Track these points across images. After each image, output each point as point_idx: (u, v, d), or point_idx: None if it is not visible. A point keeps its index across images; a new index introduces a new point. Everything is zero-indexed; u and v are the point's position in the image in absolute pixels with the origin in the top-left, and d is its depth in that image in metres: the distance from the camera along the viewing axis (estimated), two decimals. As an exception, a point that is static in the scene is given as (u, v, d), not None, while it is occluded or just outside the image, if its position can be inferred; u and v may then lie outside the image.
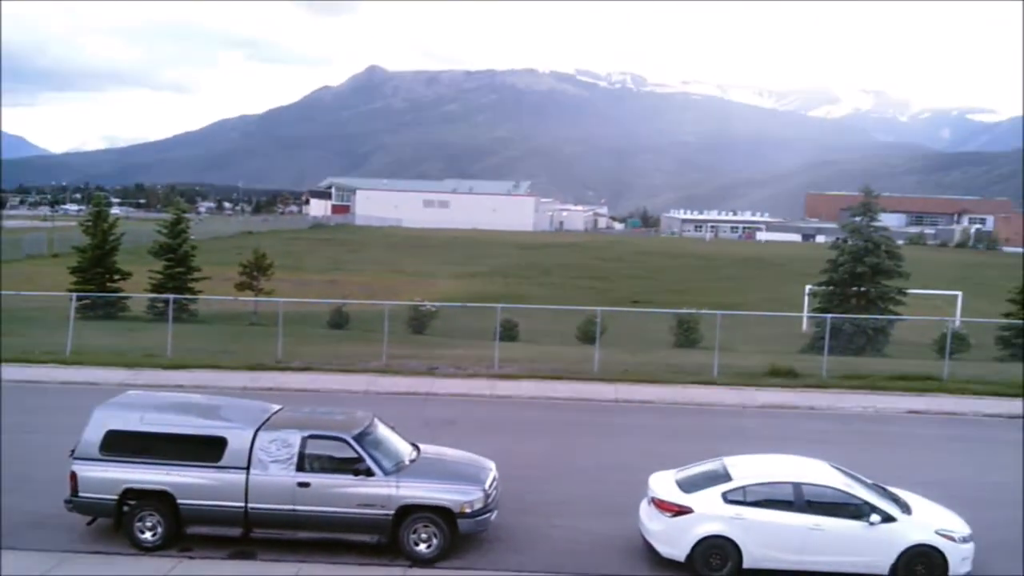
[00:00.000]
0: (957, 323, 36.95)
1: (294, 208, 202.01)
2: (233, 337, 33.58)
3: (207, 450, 13.32)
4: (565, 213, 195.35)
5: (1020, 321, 36.91)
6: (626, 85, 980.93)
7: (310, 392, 24.23)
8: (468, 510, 13.23)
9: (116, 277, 42.80)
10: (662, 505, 13.15)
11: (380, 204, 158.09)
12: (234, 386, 24.11)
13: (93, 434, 13.53)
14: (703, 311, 35.75)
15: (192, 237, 46.15)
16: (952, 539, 12.68)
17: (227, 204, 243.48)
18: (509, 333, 33.73)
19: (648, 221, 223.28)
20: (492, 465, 14.54)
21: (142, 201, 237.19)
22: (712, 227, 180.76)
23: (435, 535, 13.18)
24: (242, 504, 13.16)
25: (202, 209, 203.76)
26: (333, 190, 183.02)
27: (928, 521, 12.94)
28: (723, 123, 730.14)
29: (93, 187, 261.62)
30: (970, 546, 12.79)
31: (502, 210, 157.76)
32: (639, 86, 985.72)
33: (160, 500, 13.27)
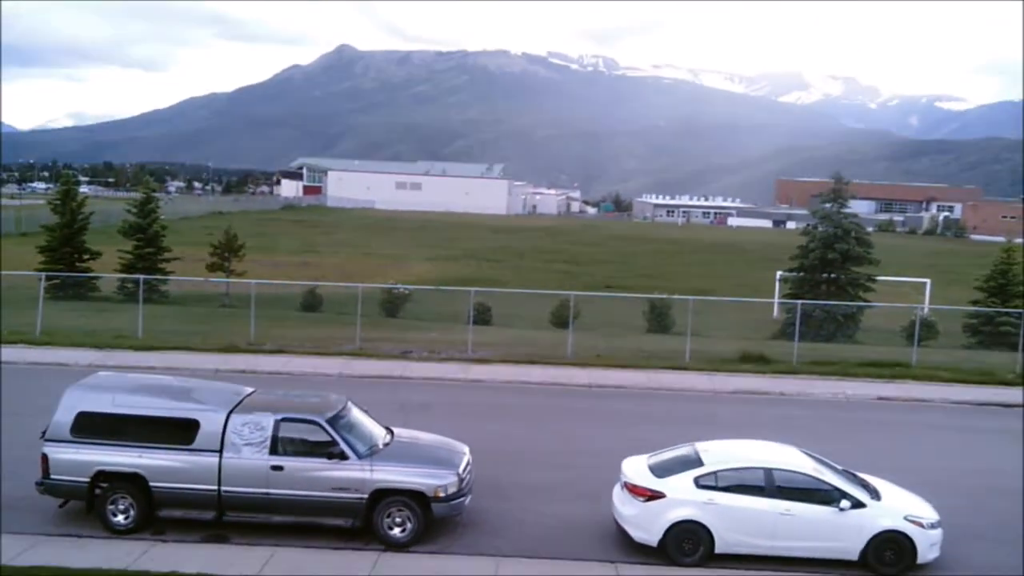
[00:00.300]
0: (926, 310, 37.37)
1: (265, 189, 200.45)
2: (205, 319, 33.36)
3: (179, 433, 13.24)
4: (538, 197, 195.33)
5: (988, 309, 37.43)
6: (598, 68, 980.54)
7: (283, 375, 24.13)
8: (442, 494, 13.25)
9: (86, 257, 42.37)
10: (635, 490, 13.23)
11: (352, 185, 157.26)
12: (206, 368, 23.97)
13: (64, 416, 13.40)
14: (675, 296, 35.93)
15: (162, 217, 45.74)
16: (921, 525, 12.86)
17: (197, 184, 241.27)
18: (482, 317, 33.73)
19: (621, 205, 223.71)
20: (466, 449, 14.56)
21: (111, 180, 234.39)
22: (684, 212, 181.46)
23: (409, 519, 13.19)
24: (215, 487, 13.11)
25: (172, 189, 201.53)
26: (304, 171, 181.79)
27: (897, 507, 13.11)
28: (695, 108, 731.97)
29: (61, 165, 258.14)
30: (938, 532, 12.98)
31: (475, 193, 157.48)
32: (611, 69, 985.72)
33: (132, 483, 13.17)
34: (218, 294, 40.32)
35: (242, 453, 13.13)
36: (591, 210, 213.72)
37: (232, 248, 43.51)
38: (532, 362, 26.66)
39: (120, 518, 13.27)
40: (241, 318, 30.07)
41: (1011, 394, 24.81)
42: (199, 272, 41.74)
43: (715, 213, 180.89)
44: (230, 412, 13.45)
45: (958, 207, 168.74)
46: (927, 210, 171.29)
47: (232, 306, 37.28)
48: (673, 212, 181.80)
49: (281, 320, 32.67)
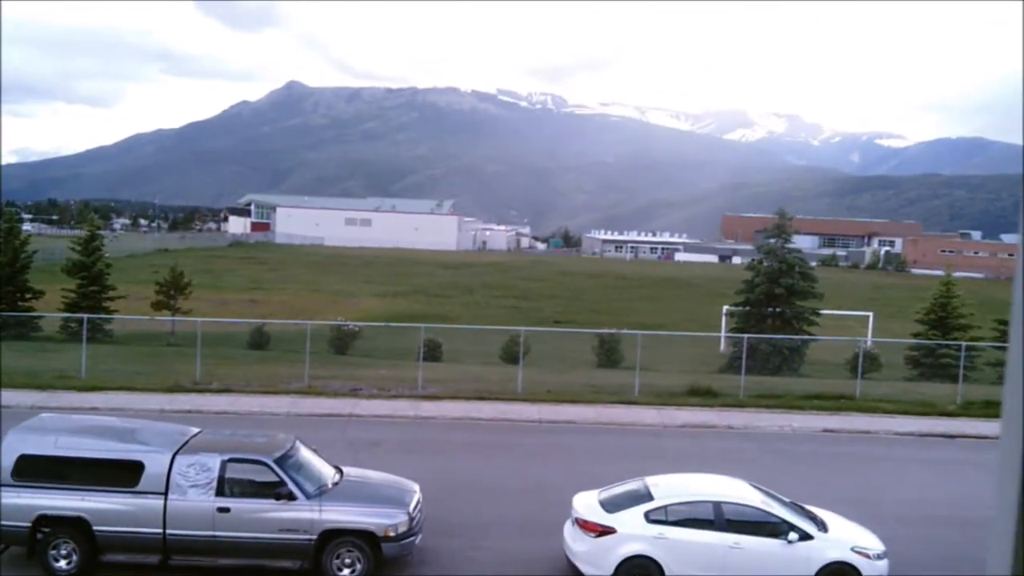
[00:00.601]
0: (869, 343, 38.06)
1: (212, 225, 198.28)
2: (150, 358, 32.84)
3: (123, 475, 13.01)
4: (488, 232, 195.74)
5: (929, 341, 38.23)
6: (547, 106, 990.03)
7: (230, 414, 23.82)
8: (392, 534, 13.16)
9: (28, 296, 41.53)
10: (586, 525, 13.26)
11: (301, 222, 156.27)
12: (151, 408, 23.59)
13: (5, 459, 13.10)
14: (624, 331, 36.20)
15: (107, 255, 45.05)
16: (867, 556, 13.03)
17: (143, 221, 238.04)
18: (432, 353, 33.66)
19: (570, 241, 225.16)
20: (416, 488, 14.49)
21: (55, 217, 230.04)
22: (632, 247, 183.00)
23: (359, 560, 13.07)
24: (160, 530, 12.88)
25: (117, 226, 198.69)
26: (253, 207, 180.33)
27: (844, 539, 13.29)
28: (642, 145, 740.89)
29: (4, 202, 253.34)
30: (884, 563, 13.17)
31: (425, 229, 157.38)
32: (559, 107, 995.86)
33: (75, 527, 12.90)
34: (164, 333, 39.73)
35: (188, 495, 12.93)
36: (541, 246, 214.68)
37: (178, 286, 42.95)
38: (482, 398, 26.65)
39: (63, 563, 12.97)
40: (187, 357, 29.67)
41: (952, 425, 25.33)
42: (144, 311, 41.14)
43: (662, 248, 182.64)
44: (175, 453, 13.26)
45: (899, 242, 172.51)
46: (869, 245, 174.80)
47: (178, 345, 36.75)
48: (621, 247, 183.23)
49: (228, 359, 32.30)
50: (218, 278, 71.24)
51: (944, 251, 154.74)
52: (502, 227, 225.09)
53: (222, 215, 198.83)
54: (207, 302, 49.25)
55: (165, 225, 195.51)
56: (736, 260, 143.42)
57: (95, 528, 12.88)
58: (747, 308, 42.58)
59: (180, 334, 38.14)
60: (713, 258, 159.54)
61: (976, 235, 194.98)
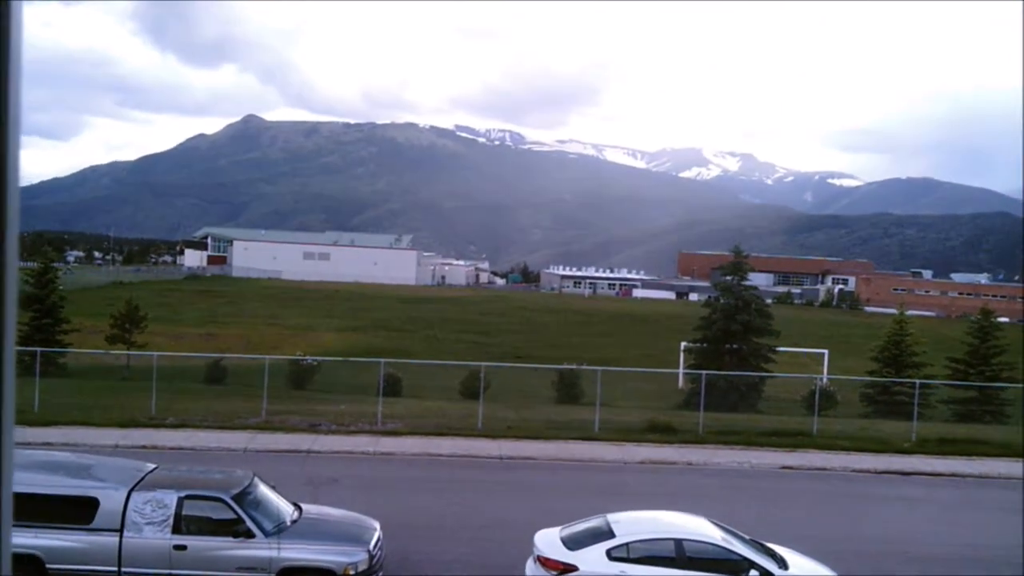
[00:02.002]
0: (824, 380, 38.52)
1: (168, 258, 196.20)
2: (104, 392, 32.32)
3: (78, 512, 12.76)
4: (447, 267, 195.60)
5: (883, 379, 38.79)
6: (504, 142, 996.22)
7: (186, 450, 23.47)
8: (352, 572, 13.01)
9: (-24, 329, 40.67)
10: (548, 563, 13.21)
11: (258, 255, 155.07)
12: (106, 444, 23.17)
13: (-46, 497, 12.79)
14: (584, 367, 36.30)
15: (60, 287, 44.43)
16: (826, 592, 13.13)
17: (97, 253, 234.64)
18: (392, 388, 33.48)
19: (528, 276, 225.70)
20: (376, 525, 14.36)
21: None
22: (591, 283, 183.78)
23: (319, 598, 12.91)
24: (115, 569, 12.63)
25: (71, 258, 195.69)
26: (209, 240, 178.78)
27: (803, 575, 13.37)
28: (599, 182, 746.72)
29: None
30: (842, 598, 13.28)
31: (384, 263, 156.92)
32: (517, 143, 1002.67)
33: (29, 565, 12.60)
34: (119, 367, 39.13)
35: (143, 532, 12.71)
36: (500, 281, 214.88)
37: (133, 319, 42.43)
38: (442, 434, 26.53)
39: (13, 604, 12.64)
40: (142, 391, 29.24)
41: (907, 462, 25.65)
42: (99, 344, 40.53)
43: (620, 284, 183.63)
44: (131, 490, 13.04)
45: (852, 280, 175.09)
46: (823, 283, 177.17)
47: (133, 379, 36.21)
48: (580, 283, 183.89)
49: (184, 393, 31.90)
50: (174, 311, 70.39)
51: (896, 289, 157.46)
52: (461, 262, 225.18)
53: (178, 248, 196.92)
54: (163, 336, 48.67)
55: (120, 258, 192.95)
56: (693, 297, 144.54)
57: (48, 566, 12.60)
58: (705, 345, 42.94)
59: (135, 368, 37.59)
60: (670, 295, 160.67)
61: (927, 274, 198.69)
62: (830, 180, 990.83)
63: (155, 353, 32.69)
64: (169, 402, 28.32)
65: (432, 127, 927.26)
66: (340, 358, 41.99)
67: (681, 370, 44.08)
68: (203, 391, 34.80)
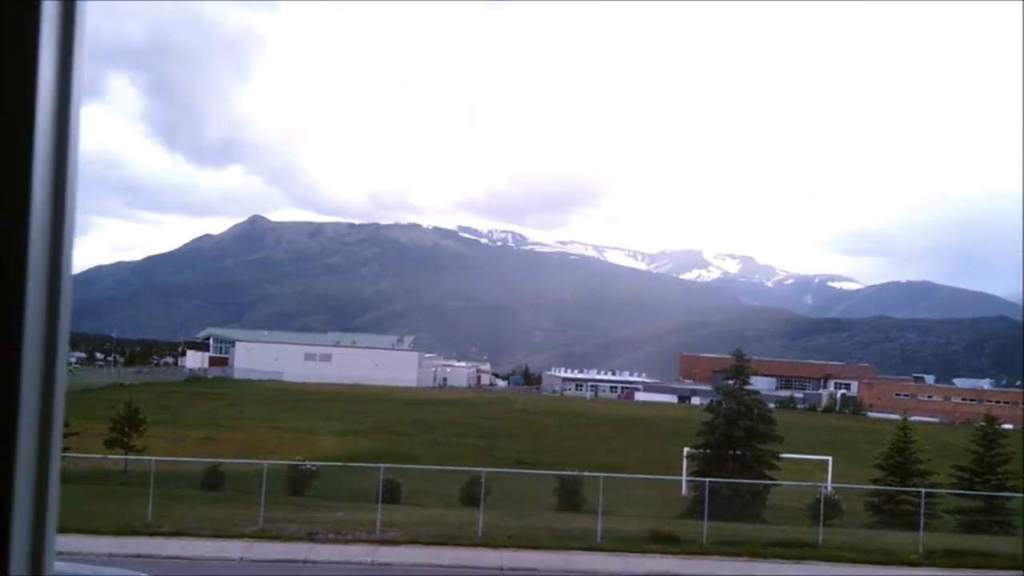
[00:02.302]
0: (829, 488, 38.11)
1: (170, 359, 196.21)
2: (101, 498, 31.97)
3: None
4: (448, 369, 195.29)
5: (888, 488, 38.37)
6: (507, 243, 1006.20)
7: (182, 559, 23.14)
8: None
9: (-26, 431, 40.51)
10: None
11: (260, 356, 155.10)
12: (100, 552, 22.84)
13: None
14: (585, 473, 35.97)
15: (61, 390, 44.31)
16: None
17: (99, 354, 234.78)
18: (392, 494, 33.14)
19: (530, 378, 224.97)
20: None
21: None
22: (592, 386, 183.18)
23: None
24: None
25: (72, 360, 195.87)
26: (211, 341, 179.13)
27: None
28: (600, 283, 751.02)
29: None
30: None
31: (385, 365, 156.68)
32: (519, 244, 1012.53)
33: None
34: (117, 471, 38.82)
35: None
36: (501, 382, 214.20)
37: (132, 422, 42.26)
38: (442, 543, 26.15)
39: None
40: (140, 497, 28.96)
41: (913, 574, 25.19)
42: (97, 448, 40.26)
43: (622, 387, 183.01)
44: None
45: (854, 384, 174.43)
46: (825, 387, 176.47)
47: (131, 484, 35.91)
48: (582, 385, 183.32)
49: (181, 499, 31.59)
50: (174, 414, 70.11)
51: (899, 395, 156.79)
52: (463, 363, 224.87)
53: (180, 349, 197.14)
54: (162, 439, 48.40)
55: (122, 359, 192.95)
56: (695, 400, 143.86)
57: None
58: (708, 450, 42.63)
59: (133, 472, 37.31)
60: (672, 398, 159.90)
61: (929, 379, 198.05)
62: (830, 283, 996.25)
63: (153, 458, 32.53)
64: (166, 508, 28.01)
65: (435, 228, 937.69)
66: (339, 463, 41.69)
67: (684, 477, 43.67)
68: (200, 497, 34.45)
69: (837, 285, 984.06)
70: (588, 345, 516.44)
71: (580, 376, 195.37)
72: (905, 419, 44.66)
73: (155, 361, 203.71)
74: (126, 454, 39.48)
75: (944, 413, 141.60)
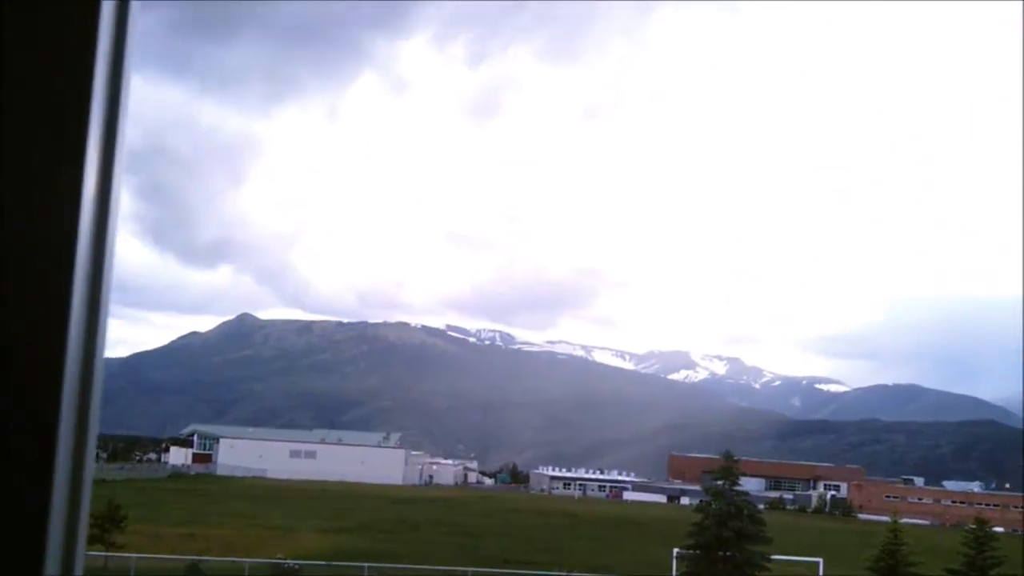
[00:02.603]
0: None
1: (153, 456, 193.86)
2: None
3: None
4: (435, 467, 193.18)
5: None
6: (495, 342, 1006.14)
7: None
8: None
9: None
10: None
11: (244, 453, 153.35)
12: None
13: None
14: (574, 574, 35.53)
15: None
16: None
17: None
18: (376, 594, 32.61)
19: (517, 477, 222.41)
20: None
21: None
22: (580, 485, 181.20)
23: None
24: None
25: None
26: (195, 438, 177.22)
27: None
28: (587, 383, 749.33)
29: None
30: None
31: (371, 462, 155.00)
32: (507, 343, 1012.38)
33: None
34: (96, 568, 38.09)
35: None
36: (488, 481, 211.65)
37: (113, 519, 41.62)
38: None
39: None
40: (120, 595, 28.44)
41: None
42: (76, 544, 39.59)
43: (610, 486, 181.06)
44: None
45: (844, 486, 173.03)
46: (814, 488, 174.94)
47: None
48: (570, 484, 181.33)
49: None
50: (155, 511, 68.92)
51: (889, 496, 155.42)
52: (449, 461, 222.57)
53: (163, 446, 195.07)
54: (143, 536, 47.54)
55: (104, 455, 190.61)
56: (685, 500, 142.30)
57: None
58: (697, 551, 42.18)
59: (113, 570, 36.65)
60: (661, 498, 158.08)
61: (919, 481, 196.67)
62: (817, 385, 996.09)
63: (134, 555, 32.00)
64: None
65: (423, 326, 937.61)
66: (323, 562, 41.01)
67: (674, 578, 43.09)
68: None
69: (824, 387, 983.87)
70: (576, 444, 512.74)
71: (568, 475, 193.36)
72: (896, 521, 44.44)
73: (138, 457, 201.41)
74: (106, 551, 38.80)
75: (934, 515, 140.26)
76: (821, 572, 46.67)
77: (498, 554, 55.70)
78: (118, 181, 1.69)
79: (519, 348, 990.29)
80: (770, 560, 42.05)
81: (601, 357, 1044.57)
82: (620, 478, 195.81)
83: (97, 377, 1.53)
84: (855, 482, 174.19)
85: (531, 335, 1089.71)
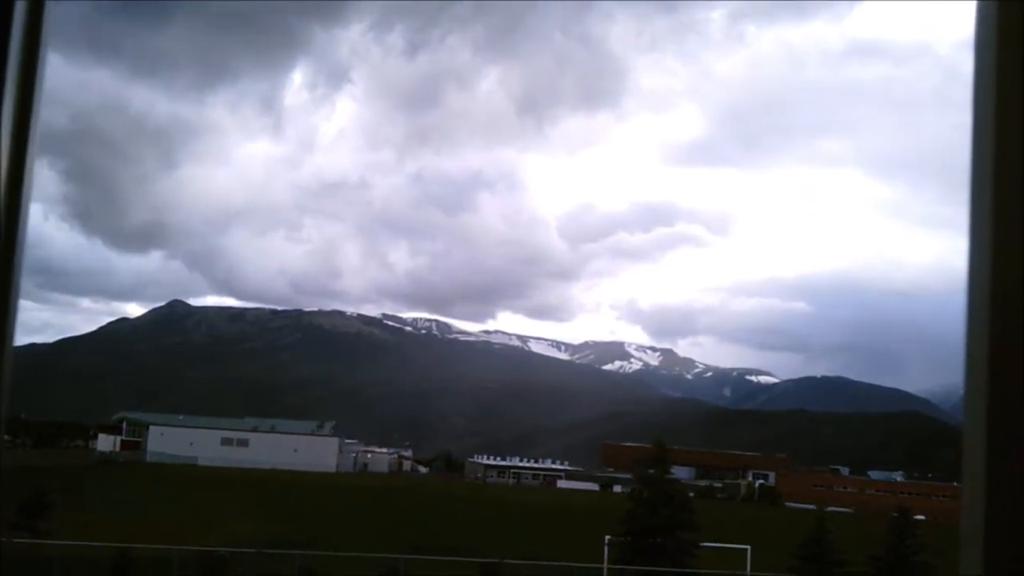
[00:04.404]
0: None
1: (81, 442, 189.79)
2: (2, 584, 30.66)
3: None
4: (369, 455, 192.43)
5: None
6: (431, 332, 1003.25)
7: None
8: None
9: None
10: None
11: (174, 441, 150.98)
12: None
13: None
14: (507, 560, 35.75)
15: (-36, 471, 42.67)
16: None
17: (7, 437, 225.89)
18: (309, 581, 32.46)
19: (452, 465, 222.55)
20: None
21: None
22: (514, 473, 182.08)
23: None
24: None
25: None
26: (124, 425, 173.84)
27: None
28: (523, 372, 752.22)
29: None
30: None
31: (304, 450, 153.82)
32: (443, 333, 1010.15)
33: None
34: (20, 556, 37.26)
35: None
36: (423, 469, 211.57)
37: (39, 506, 40.78)
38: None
39: None
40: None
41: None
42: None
43: (544, 474, 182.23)
44: None
45: (772, 475, 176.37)
46: (744, 477, 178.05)
47: (35, 570, 34.52)
48: (504, 472, 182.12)
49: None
50: (83, 498, 67.63)
51: (816, 486, 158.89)
52: (384, 450, 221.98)
53: (91, 432, 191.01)
54: (69, 524, 46.61)
55: (30, 442, 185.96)
56: (617, 488, 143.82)
57: None
58: (629, 538, 42.73)
59: (39, 557, 35.90)
60: (594, 486, 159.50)
61: (845, 471, 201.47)
62: (748, 376, 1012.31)
63: (59, 542, 31.41)
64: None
65: (359, 315, 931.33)
66: (253, 549, 40.64)
67: (605, 565, 43.55)
68: (109, 583, 33.26)
69: (755, 379, 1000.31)
70: (510, 433, 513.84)
71: (502, 463, 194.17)
72: (822, 509, 45.54)
73: (66, 444, 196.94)
74: (31, 539, 37.99)
75: (859, 504, 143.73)
76: (749, 559, 47.58)
77: (431, 541, 55.78)
78: (30, 166, 1.62)
79: (455, 338, 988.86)
80: (700, 547, 42.81)
81: (537, 347, 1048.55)
82: (554, 467, 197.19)
83: (7, 362, 1.54)
84: (783, 471, 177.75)
85: (468, 325, 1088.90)
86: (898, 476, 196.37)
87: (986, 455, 1.38)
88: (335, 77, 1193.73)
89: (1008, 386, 1.30)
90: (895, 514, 45.76)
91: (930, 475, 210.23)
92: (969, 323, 1.39)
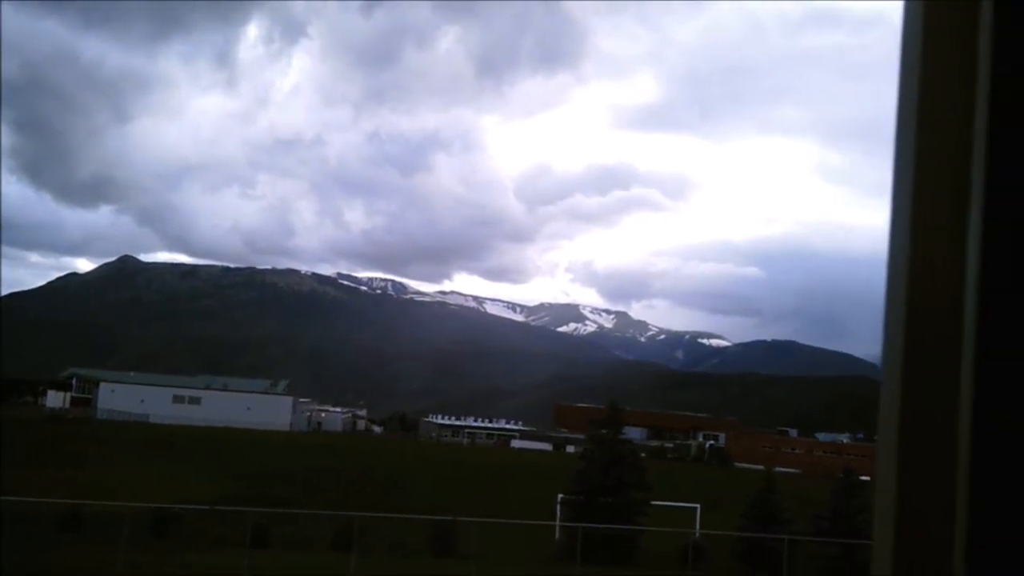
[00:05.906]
0: (697, 535, 39.08)
1: (30, 398, 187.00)
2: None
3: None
4: (324, 414, 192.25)
5: (752, 534, 39.60)
6: (387, 292, 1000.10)
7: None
8: None
9: None
10: None
11: (125, 398, 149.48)
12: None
13: None
14: (461, 519, 35.95)
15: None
16: None
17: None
18: (261, 539, 32.39)
19: (406, 424, 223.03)
20: None
21: None
22: (468, 433, 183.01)
23: None
24: None
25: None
26: (74, 381, 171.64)
27: None
28: (478, 333, 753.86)
29: None
30: None
31: (258, 409, 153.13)
32: (399, 293, 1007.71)
33: None
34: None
35: None
36: (377, 428, 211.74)
37: (-15, 462, 40.14)
38: (313, 587, 25.71)
39: None
40: (-10, 540, 27.48)
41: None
42: (-56, 487, 38.07)
43: (498, 435, 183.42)
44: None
45: (722, 436, 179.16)
46: (694, 438, 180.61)
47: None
48: (458, 432, 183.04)
49: (36, 543, 30.10)
50: (31, 454, 66.75)
51: (765, 447, 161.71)
52: (338, 409, 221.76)
53: (40, 388, 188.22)
54: (16, 479, 46.00)
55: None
56: (570, 449, 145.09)
57: None
58: (581, 497, 43.14)
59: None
60: (547, 446, 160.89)
61: (793, 432, 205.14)
62: (700, 340, 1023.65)
63: (4, 498, 30.97)
64: (19, 552, 26.67)
65: (314, 274, 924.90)
66: (206, 506, 40.44)
67: (558, 523, 43.97)
68: (56, 541, 32.89)
69: (707, 342, 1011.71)
70: (465, 393, 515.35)
71: (456, 423, 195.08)
72: (769, 470, 46.28)
73: (14, 400, 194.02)
74: (-24, 495, 37.40)
75: (806, 465, 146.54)
76: (698, 517, 48.33)
77: (384, 499, 55.96)
78: None
79: (411, 298, 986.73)
80: (651, 506, 43.36)
81: (493, 309, 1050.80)
82: (508, 427, 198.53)
83: None
84: (732, 433, 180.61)
85: (423, 286, 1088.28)
86: (845, 438, 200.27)
87: (897, 461, 1.38)
88: (291, 31, 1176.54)
89: (919, 396, 1.31)
90: (841, 475, 46.64)
91: (875, 437, 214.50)
92: (888, 309, 1.38)
